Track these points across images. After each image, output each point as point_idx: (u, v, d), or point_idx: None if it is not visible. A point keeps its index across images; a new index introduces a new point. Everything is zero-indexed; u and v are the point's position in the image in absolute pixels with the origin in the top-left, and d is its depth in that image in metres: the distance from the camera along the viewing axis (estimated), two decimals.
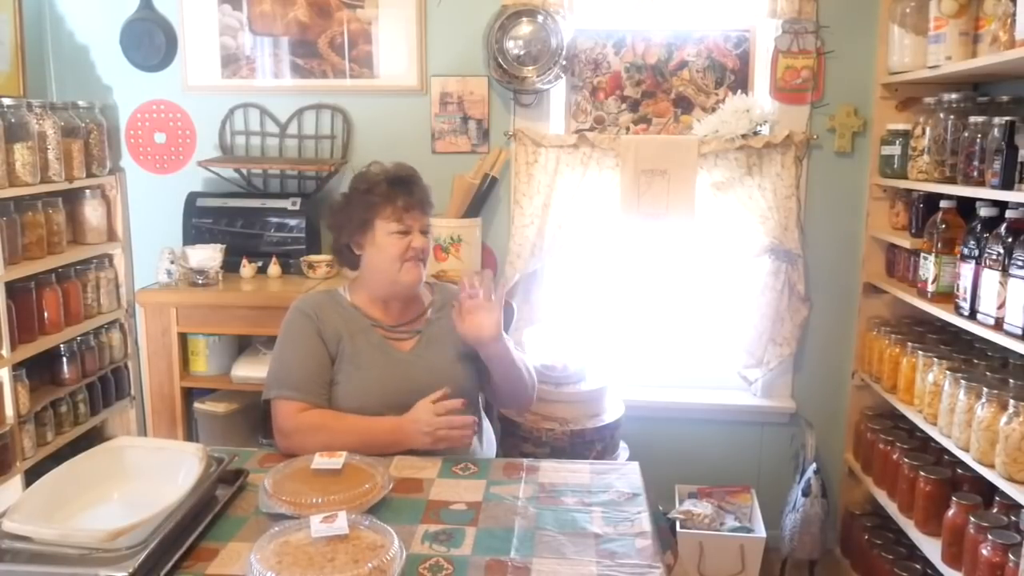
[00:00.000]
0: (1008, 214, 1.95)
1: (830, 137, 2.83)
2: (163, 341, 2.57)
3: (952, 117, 2.28)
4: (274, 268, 2.75)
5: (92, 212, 2.85)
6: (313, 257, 2.75)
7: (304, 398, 1.84)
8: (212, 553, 1.39)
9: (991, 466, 1.94)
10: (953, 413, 2.12)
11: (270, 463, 1.72)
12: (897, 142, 2.60)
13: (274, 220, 2.83)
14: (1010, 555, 1.86)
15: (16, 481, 2.42)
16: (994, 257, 1.94)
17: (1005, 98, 2.29)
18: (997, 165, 1.95)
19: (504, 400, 2.12)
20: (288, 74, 2.95)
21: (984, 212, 2.07)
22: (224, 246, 2.71)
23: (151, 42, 2.93)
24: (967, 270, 2.09)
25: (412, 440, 1.79)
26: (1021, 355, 1.94)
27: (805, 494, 2.80)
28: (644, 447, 2.72)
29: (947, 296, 2.25)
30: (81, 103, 2.78)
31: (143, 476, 1.56)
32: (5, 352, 2.37)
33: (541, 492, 1.64)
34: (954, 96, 2.32)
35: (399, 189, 1.92)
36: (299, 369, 1.87)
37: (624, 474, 1.74)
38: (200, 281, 2.62)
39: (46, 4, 2.97)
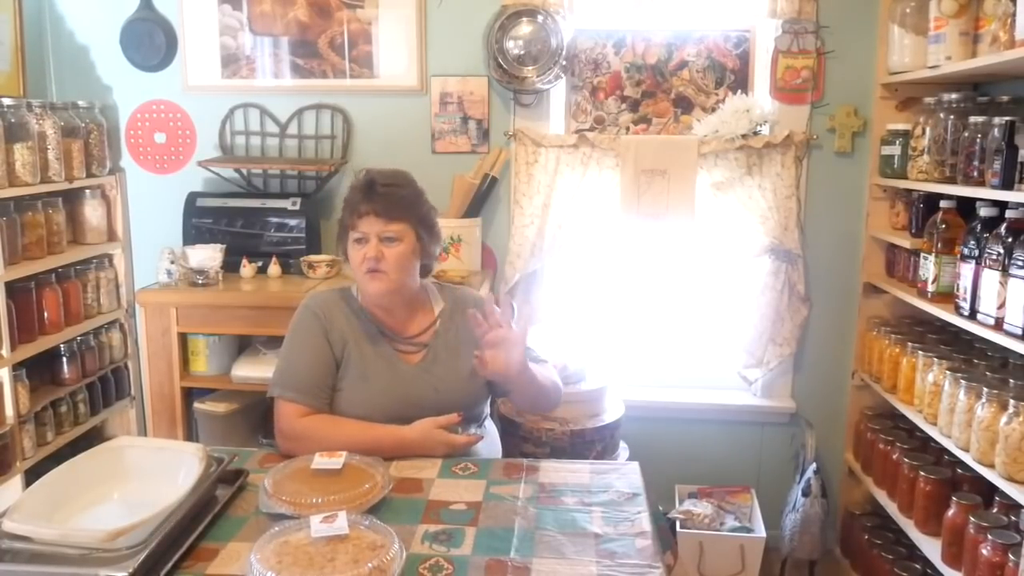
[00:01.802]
0: (1008, 214, 1.95)
1: (830, 137, 2.83)
2: (163, 341, 2.57)
3: (952, 117, 2.28)
4: (274, 268, 2.75)
5: (92, 212, 2.85)
6: (313, 257, 2.75)
7: (306, 401, 1.83)
8: (212, 553, 1.39)
9: (991, 466, 1.94)
10: (953, 413, 2.12)
11: (270, 463, 1.72)
12: (897, 142, 2.60)
13: (274, 220, 2.83)
14: (1010, 555, 1.86)
15: (16, 481, 2.42)
16: (994, 257, 1.94)
17: (1005, 98, 2.29)
18: (997, 165, 1.95)
19: (525, 409, 2.10)
20: (288, 74, 2.95)
21: (984, 212, 2.07)
22: (224, 246, 2.71)
23: (151, 42, 2.93)
24: (967, 270, 2.09)
25: (423, 454, 1.79)
26: (1021, 355, 1.94)
27: (805, 494, 2.80)
28: (644, 447, 2.72)
29: (947, 296, 2.25)
30: (81, 103, 2.78)
31: (143, 476, 1.56)
32: (5, 352, 2.37)
33: (541, 492, 1.64)
34: (954, 96, 2.32)
35: (361, 195, 1.86)
36: (304, 371, 1.86)
37: (624, 474, 1.74)
38: (200, 281, 2.62)
39: (46, 4, 2.97)
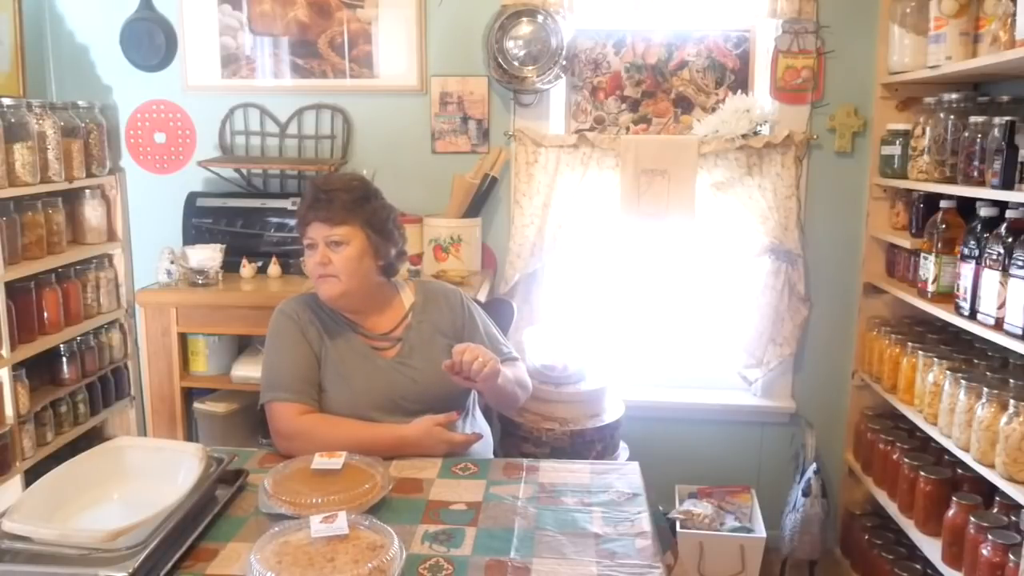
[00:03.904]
0: (1008, 214, 1.95)
1: (830, 137, 2.83)
2: (163, 341, 2.57)
3: (952, 117, 2.28)
4: (274, 268, 2.75)
5: (92, 212, 2.85)
6: None
7: (300, 399, 1.84)
8: (212, 553, 1.39)
9: (991, 466, 1.94)
10: (953, 413, 2.12)
11: (270, 463, 1.72)
12: (897, 142, 2.60)
13: (274, 220, 2.83)
14: (1010, 555, 1.86)
15: (16, 481, 2.42)
16: (994, 257, 1.94)
17: (1005, 98, 2.29)
18: (997, 165, 1.95)
19: (490, 405, 2.15)
20: (288, 74, 2.94)
21: (984, 212, 2.07)
22: (224, 246, 2.71)
23: (151, 42, 2.93)
24: (967, 270, 2.09)
25: (422, 452, 1.79)
26: (1021, 355, 1.94)
27: (805, 494, 2.80)
28: (644, 447, 2.72)
29: (947, 296, 2.25)
30: (81, 103, 2.78)
31: (143, 476, 1.56)
32: (5, 352, 2.37)
33: (541, 492, 1.64)
34: (954, 96, 2.32)
35: (306, 203, 1.88)
36: (291, 370, 1.87)
37: (624, 474, 1.74)
38: (200, 281, 2.62)
39: (46, 4, 2.97)
